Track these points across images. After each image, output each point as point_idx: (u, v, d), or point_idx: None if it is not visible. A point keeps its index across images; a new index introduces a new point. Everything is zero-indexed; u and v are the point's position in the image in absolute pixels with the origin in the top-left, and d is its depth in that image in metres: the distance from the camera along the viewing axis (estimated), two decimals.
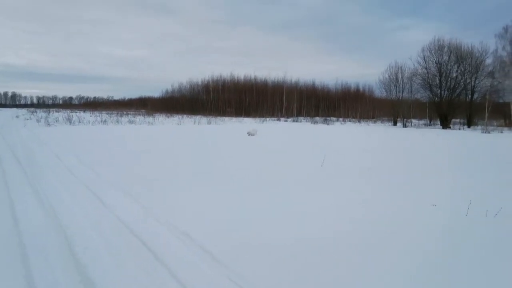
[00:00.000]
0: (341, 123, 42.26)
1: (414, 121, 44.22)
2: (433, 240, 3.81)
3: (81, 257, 3.19)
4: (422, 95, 40.10)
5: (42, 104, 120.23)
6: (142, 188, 5.78)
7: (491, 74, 34.40)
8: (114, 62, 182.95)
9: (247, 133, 18.10)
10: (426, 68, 37.96)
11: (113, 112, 51.34)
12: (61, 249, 3.37)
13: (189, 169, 7.67)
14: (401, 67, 41.41)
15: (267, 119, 47.20)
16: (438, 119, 38.27)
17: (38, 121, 26.43)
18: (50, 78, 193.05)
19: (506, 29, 32.14)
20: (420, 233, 3.99)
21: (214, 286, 2.75)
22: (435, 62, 37.23)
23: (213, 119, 39.13)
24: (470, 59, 36.06)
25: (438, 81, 37.13)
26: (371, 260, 3.24)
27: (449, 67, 36.71)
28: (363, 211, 4.76)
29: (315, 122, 41.49)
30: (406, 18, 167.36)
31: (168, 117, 41.32)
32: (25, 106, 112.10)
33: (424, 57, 37.85)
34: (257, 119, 44.12)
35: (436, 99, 37.51)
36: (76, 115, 37.90)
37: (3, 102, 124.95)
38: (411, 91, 40.71)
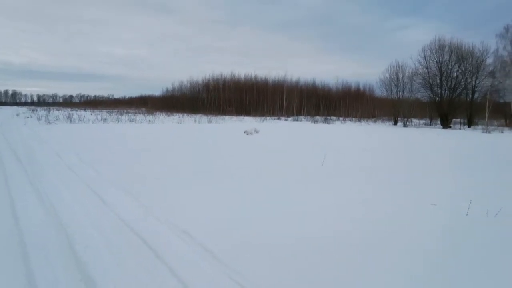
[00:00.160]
0: (341, 123, 42.24)
1: (415, 120, 44.23)
2: (434, 239, 3.81)
3: (82, 255, 3.19)
4: (422, 94, 40.18)
5: (43, 103, 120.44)
6: (143, 187, 5.78)
7: (491, 74, 34.40)
8: (114, 61, 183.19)
9: (244, 132, 18.08)
10: (426, 68, 38.00)
11: (114, 110, 51.36)
12: (61, 248, 3.37)
13: (190, 167, 7.67)
14: (401, 67, 41.47)
15: (268, 118, 47.20)
16: (439, 119, 38.28)
17: (38, 119, 26.42)
18: (50, 77, 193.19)
19: (507, 28, 32.15)
20: (421, 233, 3.99)
21: (215, 285, 2.75)
22: (436, 61, 37.24)
23: (213, 118, 39.11)
24: (471, 59, 36.06)
25: (438, 81, 37.13)
26: (371, 259, 3.24)
27: (450, 67, 36.72)
28: (363, 211, 4.76)
29: (316, 121, 41.48)
30: (406, 17, 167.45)
31: (169, 115, 41.29)
32: (25, 104, 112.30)
33: (425, 56, 37.90)
34: (258, 118, 44.10)
35: (437, 98, 37.50)
36: (77, 113, 37.87)
37: (3, 100, 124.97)
38: (412, 91, 40.77)
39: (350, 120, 48.57)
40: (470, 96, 37.13)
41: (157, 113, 46.92)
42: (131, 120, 28.61)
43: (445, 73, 36.76)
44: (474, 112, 37.28)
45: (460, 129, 34.40)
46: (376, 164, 9.02)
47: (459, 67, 36.43)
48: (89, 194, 5.34)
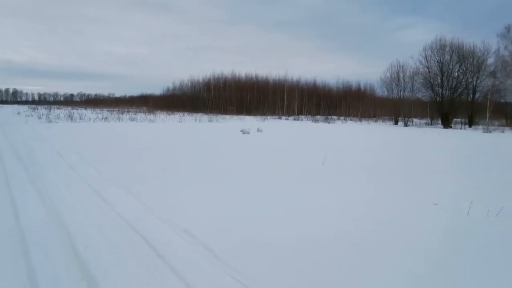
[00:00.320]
0: (342, 122, 42.23)
1: (416, 120, 44.21)
2: (435, 239, 3.81)
3: (83, 254, 3.19)
4: (423, 94, 40.16)
5: (44, 101, 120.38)
6: (143, 186, 5.78)
7: (492, 74, 34.38)
8: (115, 60, 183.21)
9: (241, 131, 18.08)
10: (427, 67, 37.97)
11: (114, 109, 51.40)
12: (62, 247, 3.38)
13: (190, 166, 7.67)
14: (402, 66, 41.45)
15: (268, 117, 47.19)
16: (440, 119, 38.25)
17: (39, 118, 26.44)
18: (51, 75, 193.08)
19: (508, 28, 32.12)
20: (422, 232, 3.98)
21: (216, 284, 2.75)
22: (437, 61, 37.21)
23: (214, 117, 39.11)
24: (472, 59, 36.03)
25: (439, 81, 37.10)
26: (372, 259, 3.24)
27: (451, 67, 36.69)
28: (364, 210, 4.75)
29: (316, 121, 41.47)
30: (406, 17, 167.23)
31: (169, 114, 41.31)
32: (26, 103, 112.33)
33: (426, 56, 37.88)
34: (258, 118, 44.09)
35: (438, 98, 37.47)
36: (77, 112, 37.89)
37: (4, 99, 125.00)
38: (413, 90, 40.75)
39: (351, 120, 48.55)
40: (471, 96, 37.12)
41: (158, 112, 46.94)
42: (132, 119, 28.63)
43: (446, 73, 36.74)
44: (475, 112, 37.26)
45: (461, 129, 34.36)
46: (377, 163, 9.02)
47: (460, 67, 36.42)
48: (90, 193, 5.34)
